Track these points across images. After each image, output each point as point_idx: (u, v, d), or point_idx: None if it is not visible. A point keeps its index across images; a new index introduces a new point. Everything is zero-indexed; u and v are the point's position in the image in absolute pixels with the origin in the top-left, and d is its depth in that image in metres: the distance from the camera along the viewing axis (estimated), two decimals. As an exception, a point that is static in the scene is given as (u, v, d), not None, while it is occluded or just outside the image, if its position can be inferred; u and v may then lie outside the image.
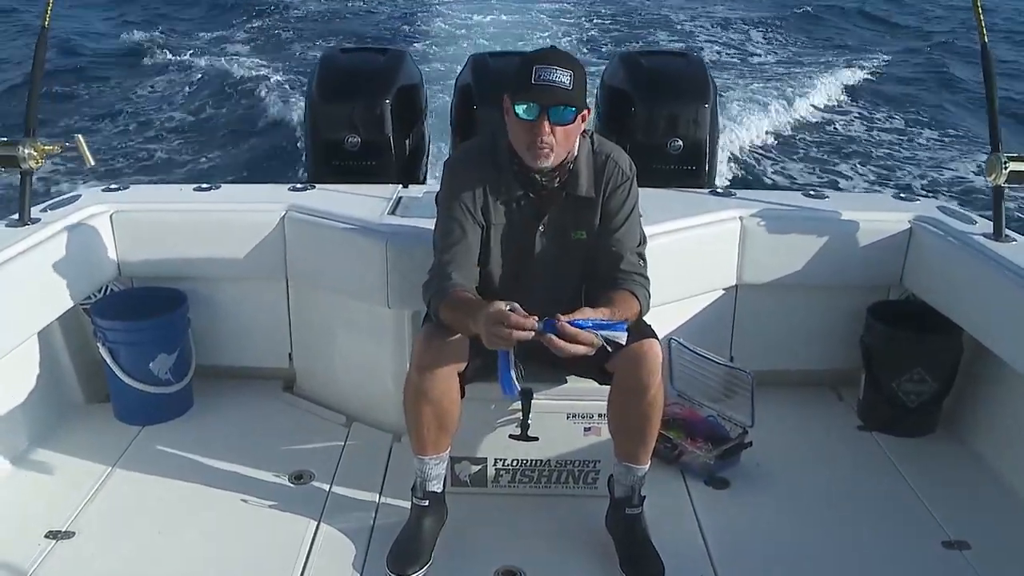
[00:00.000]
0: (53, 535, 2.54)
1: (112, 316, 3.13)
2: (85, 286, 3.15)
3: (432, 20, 16.24)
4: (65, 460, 2.94)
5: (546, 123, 2.28)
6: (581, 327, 2.12)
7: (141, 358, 3.11)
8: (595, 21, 16.55)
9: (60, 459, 2.94)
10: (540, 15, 16.74)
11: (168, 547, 2.54)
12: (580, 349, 2.13)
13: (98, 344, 3.10)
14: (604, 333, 2.15)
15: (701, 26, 16.71)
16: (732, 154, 8.85)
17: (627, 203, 2.49)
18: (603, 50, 13.48)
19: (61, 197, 3.35)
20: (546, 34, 14.75)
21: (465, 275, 2.43)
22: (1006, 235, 3.04)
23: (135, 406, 3.16)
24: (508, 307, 2.13)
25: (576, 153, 2.44)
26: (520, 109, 2.29)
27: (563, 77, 2.26)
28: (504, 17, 16.44)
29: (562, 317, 2.11)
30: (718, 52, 14.24)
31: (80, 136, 3.05)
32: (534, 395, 2.62)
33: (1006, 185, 2.97)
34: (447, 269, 2.41)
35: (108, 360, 3.09)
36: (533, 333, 2.10)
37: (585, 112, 2.35)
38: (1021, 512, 2.76)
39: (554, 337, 2.10)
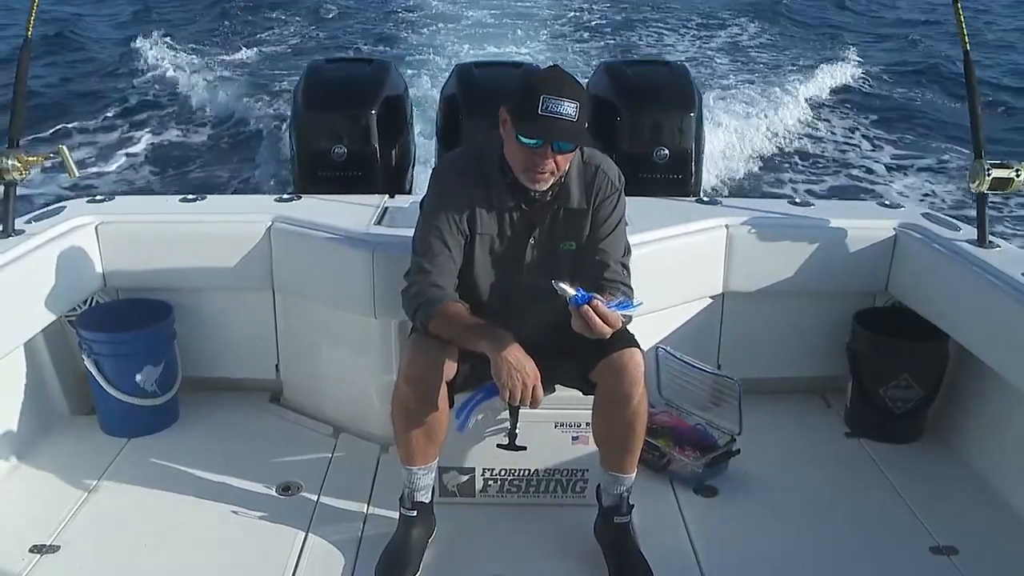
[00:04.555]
0: (38, 549, 2.52)
1: (97, 328, 3.11)
2: (70, 298, 3.13)
3: (415, 28, 16.22)
4: (50, 473, 2.91)
5: (549, 154, 2.27)
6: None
7: (127, 370, 3.09)
8: (580, 30, 16.54)
9: (45, 472, 2.92)
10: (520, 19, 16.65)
11: (155, 561, 2.52)
12: (608, 331, 2.16)
13: (83, 356, 3.08)
14: (624, 312, 2.21)
15: (681, 32, 16.70)
16: (717, 162, 8.86)
17: (615, 214, 2.49)
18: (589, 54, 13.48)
19: (46, 208, 3.32)
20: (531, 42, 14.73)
21: (449, 285, 2.43)
22: (990, 241, 3.06)
23: (121, 418, 3.14)
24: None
25: (567, 165, 2.43)
26: (523, 138, 2.27)
27: (570, 109, 2.22)
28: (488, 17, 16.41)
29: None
30: (700, 59, 14.25)
31: (64, 147, 3.03)
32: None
33: (989, 192, 2.99)
34: (430, 278, 2.40)
35: (93, 372, 3.07)
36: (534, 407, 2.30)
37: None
38: (1008, 517, 2.77)
39: (593, 313, 2.13)
